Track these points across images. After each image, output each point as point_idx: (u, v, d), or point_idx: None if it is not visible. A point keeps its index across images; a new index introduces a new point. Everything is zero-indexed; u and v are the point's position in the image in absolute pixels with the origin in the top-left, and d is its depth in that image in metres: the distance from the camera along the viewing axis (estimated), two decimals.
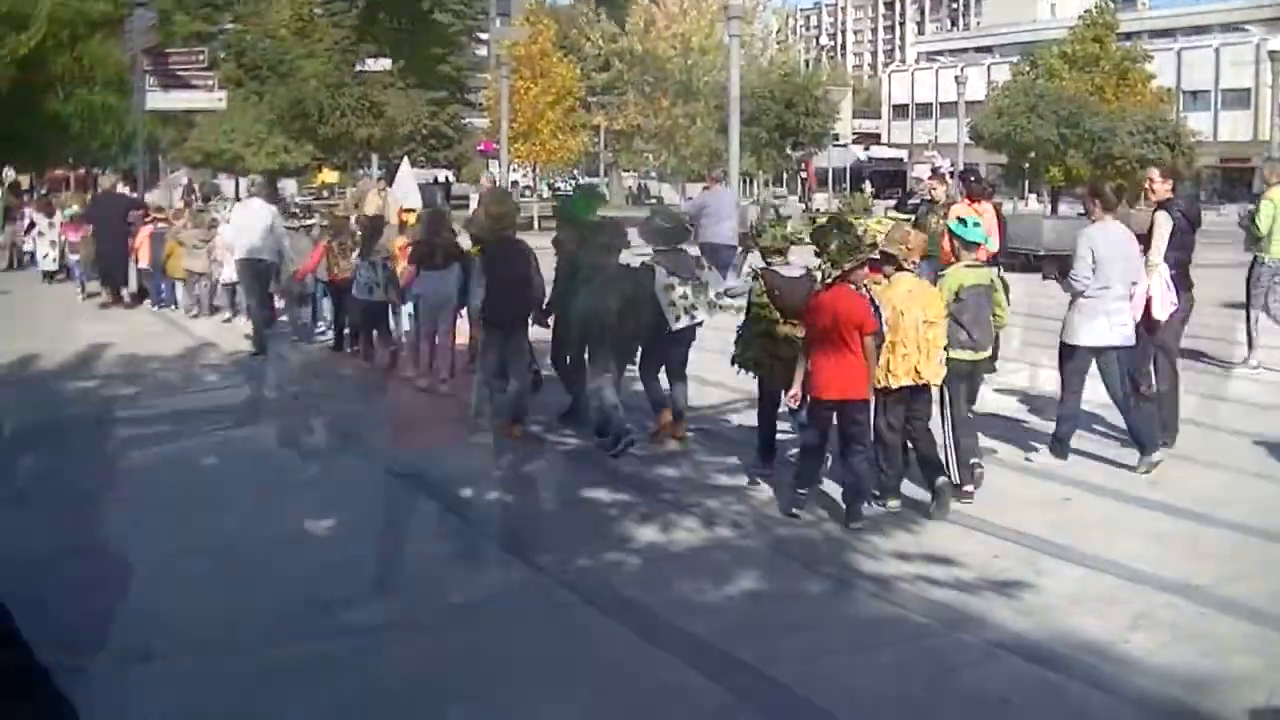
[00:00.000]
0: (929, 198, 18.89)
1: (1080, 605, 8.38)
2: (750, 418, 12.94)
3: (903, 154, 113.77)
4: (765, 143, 60.12)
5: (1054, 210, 58.69)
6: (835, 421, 10.42)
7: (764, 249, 12.08)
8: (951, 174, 19.70)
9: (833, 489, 10.82)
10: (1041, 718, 6.83)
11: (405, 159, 38.45)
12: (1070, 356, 12.24)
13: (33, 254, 33.05)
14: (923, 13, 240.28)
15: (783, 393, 11.22)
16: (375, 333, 18.44)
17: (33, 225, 32.75)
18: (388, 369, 17.71)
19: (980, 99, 72.63)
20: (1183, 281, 13.05)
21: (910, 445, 11.01)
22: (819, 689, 6.98)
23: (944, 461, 10.88)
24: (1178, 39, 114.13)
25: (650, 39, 71.38)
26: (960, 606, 8.33)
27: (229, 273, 22.69)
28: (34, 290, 29.68)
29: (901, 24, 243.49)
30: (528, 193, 76.36)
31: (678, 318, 12.95)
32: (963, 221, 11.62)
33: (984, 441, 13.03)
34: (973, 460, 11.16)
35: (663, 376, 13.41)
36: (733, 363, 12.16)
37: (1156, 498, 11.05)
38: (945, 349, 10.83)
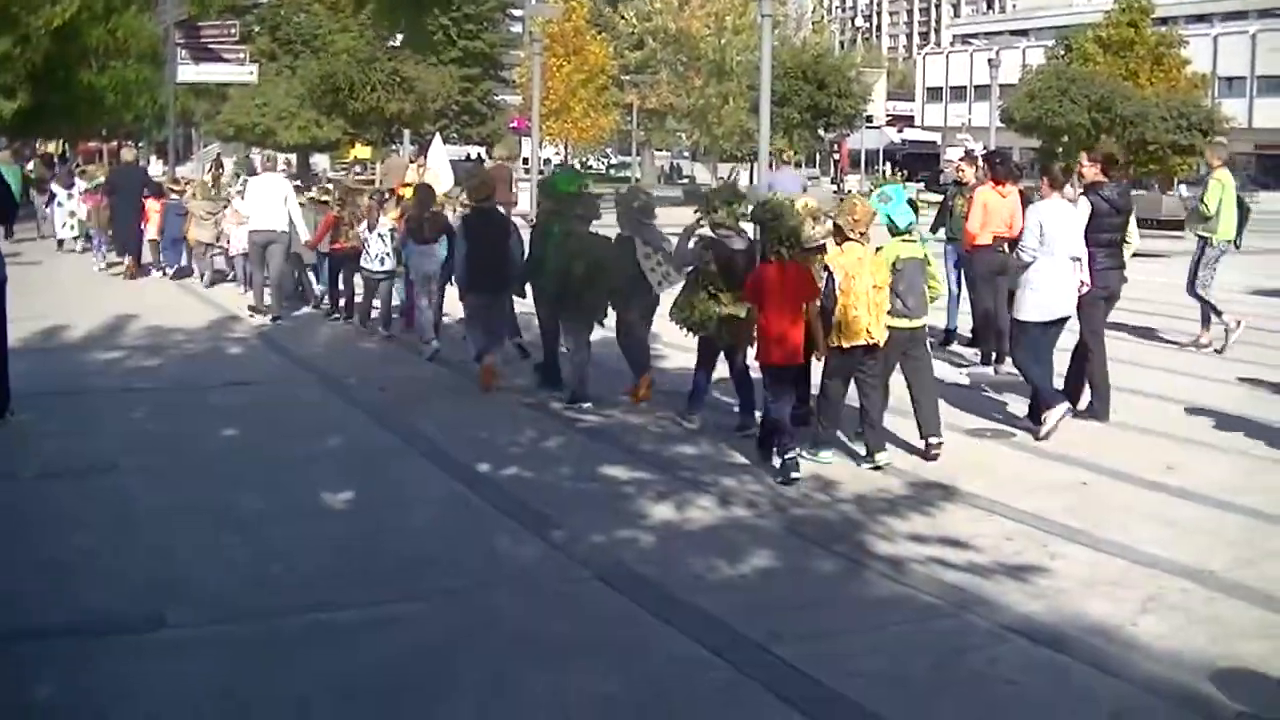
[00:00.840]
0: (957, 179, 19.32)
1: (1091, 588, 8.39)
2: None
3: (936, 137, 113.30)
4: (797, 124, 59.79)
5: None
6: (780, 377, 11.49)
7: (714, 223, 13.02)
8: (982, 157, 19.89)
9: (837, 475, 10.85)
10: (1048, 700, 6.83)
11: (438, 135, 38.43)
12: (1025, 332, 13.19)
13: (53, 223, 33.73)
14: None
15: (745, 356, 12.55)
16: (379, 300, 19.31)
17: (53, 196, 33.36)
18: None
19: (1013, 83, 72.24)
20: (1113, 262, 13.99)
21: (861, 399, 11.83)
22: (826, 668, 7.00)
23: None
24: (1214, 24, 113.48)
25: (684, 18, 71.13)
26: (971, 588, 8.35)
27: (239, 244, 23.16)
28: (58, 260, 29.80)
29: (937, 6, 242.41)
30: (558, 170, 76.40)
31: (659, 282, 14.11)
32: (887, 199, 12.15)
33: (1002, 425, 13.12)
34: (931, 436, 11.95)
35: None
36: (676, 322, 13.18)
37: (1173, 483, 11.07)
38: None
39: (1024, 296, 13.09)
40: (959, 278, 18.04)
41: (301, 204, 21.81)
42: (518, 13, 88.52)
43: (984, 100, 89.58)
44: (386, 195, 20.14)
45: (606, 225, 14.98)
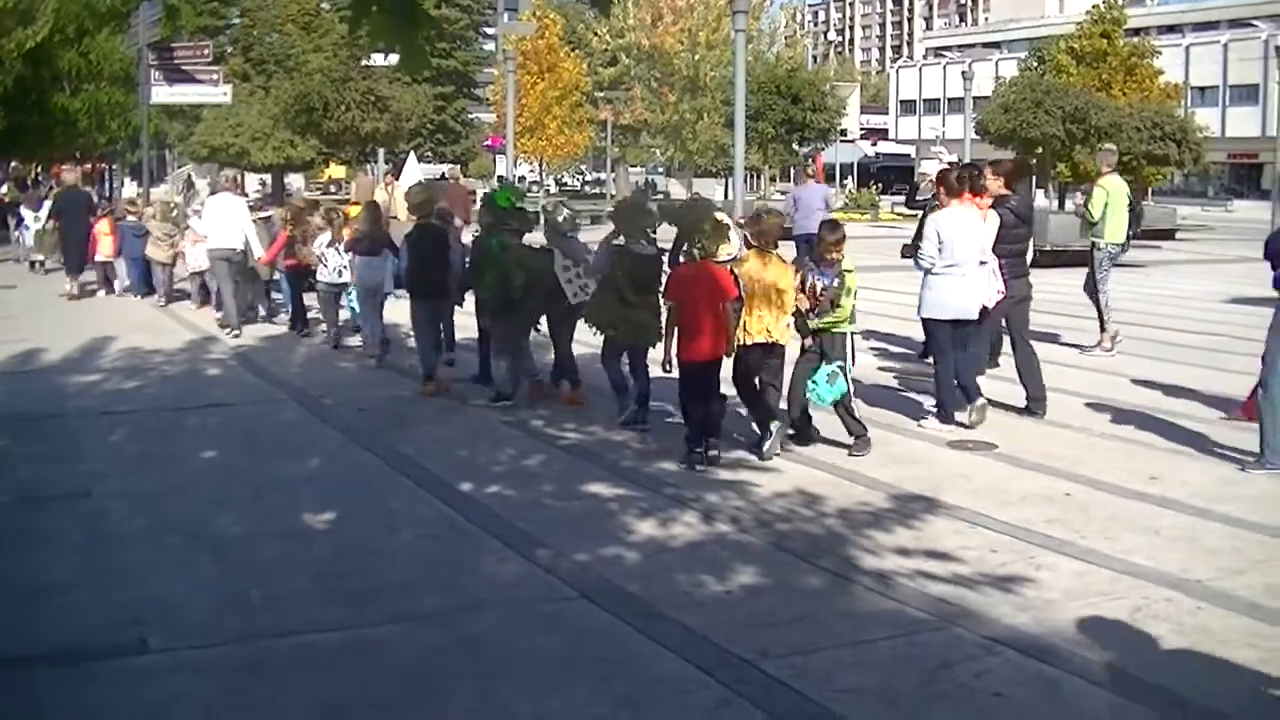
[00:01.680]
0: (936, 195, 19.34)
1: (1078, 599, 8.38)
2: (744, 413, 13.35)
3: (910, 150, 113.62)
4: (772, 138, 60.05)
5: (1061, 206, 58.60)
6: (702, 376, 12.26)
7: (624, 232, 14.02)
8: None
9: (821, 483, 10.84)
10: (1036, 712, 6.81)
11: (412, 154, 38.41)
12: (932, 331, 13.98)
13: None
14: (931, 8, 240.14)
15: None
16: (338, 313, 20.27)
17: (21, 219, 34.17)
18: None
19: (988, 95, 72.48)
20: (1018, 270, 14.77)
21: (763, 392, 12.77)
22: (814, 683, 6.97)
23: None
24: (1186, 34, 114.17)
25: (657, 34, 71.36)
26: (957, 601, 8.33)
27: (197, 261, 23.83)
28: (32, 282, 29.75)
29: (909, 19, 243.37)
30: (534, 188, 76.36)
31: (575, 294, 14.93)
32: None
33: (983, 435, 13.14)
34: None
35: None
36: (589, 323, 14.25)
37: (1156, 492, 11.09)
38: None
39: (923, 296, 13.84)
40: None
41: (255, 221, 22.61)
42: (491, 31, 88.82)
43: (958, 113, 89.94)
44: (338, 214, 20.84)
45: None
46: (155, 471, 12.09)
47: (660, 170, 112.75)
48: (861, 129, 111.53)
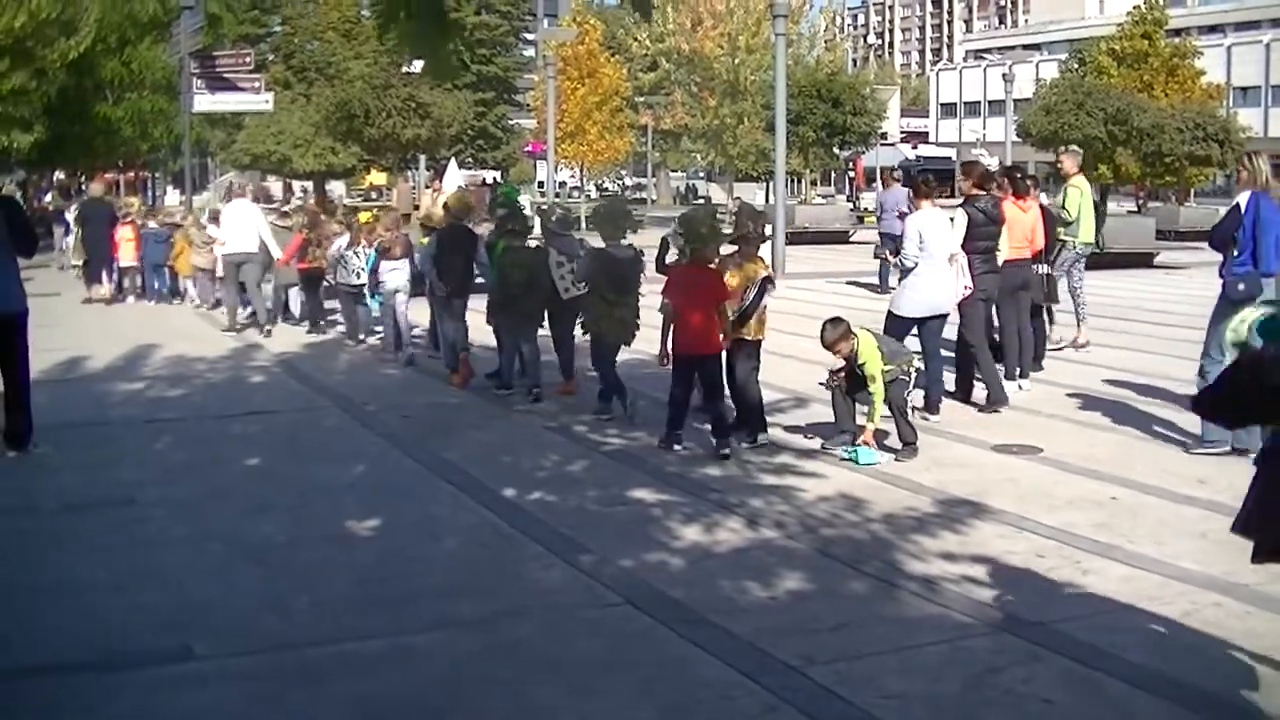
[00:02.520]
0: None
1: (1125, 604, 8.32)
2: (794, 417, 14.01)
3: (951, 153, 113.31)
4: (812, 142, 59.72)
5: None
6: (697, 373, 13.10)
7: (604, 237, 15.04)
8: (1002, 172, 20.36)
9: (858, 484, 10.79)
10: (1085, 717, 6.76)
11: (453, 160, 38.45)
12: (895, 326, 14.46)
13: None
14: (970, 10, 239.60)
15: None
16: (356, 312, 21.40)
17: (69, 228, 34.56)
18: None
19: (1028, 97, 72.23)
20: (988, 267, 15.32)
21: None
22: (859, 689, 6.93)
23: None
24: (1227, 34, 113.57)
25: (697, 38, 71.21)
26: (1004, 606, 8.28)
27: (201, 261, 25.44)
28: (77, 289, 29.83)
29: (949, 22, 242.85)
30: (575, 193, 76.40)
31: (567, 289, 15.80)
32: None
33: (1027, 439, 13.08)
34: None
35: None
36: (583, 323, 15.20)
37: (1203, 495, 11.00)
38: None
39: (903, 294, 14.67)
40: None
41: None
42: (531, 37, 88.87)
43: (998, 115, 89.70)
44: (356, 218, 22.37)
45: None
46: (198, 478, 12.12)
47: (701, 175, 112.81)
48: (902, 132, 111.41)
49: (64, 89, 41.76)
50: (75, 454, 13.14)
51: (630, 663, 7.44)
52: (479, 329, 17.23)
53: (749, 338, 13.48)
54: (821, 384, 13.64)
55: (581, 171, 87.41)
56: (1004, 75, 67.09)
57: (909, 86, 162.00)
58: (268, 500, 11.26)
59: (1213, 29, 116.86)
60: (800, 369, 16.53)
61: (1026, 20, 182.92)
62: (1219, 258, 12.93)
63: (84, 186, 52.85)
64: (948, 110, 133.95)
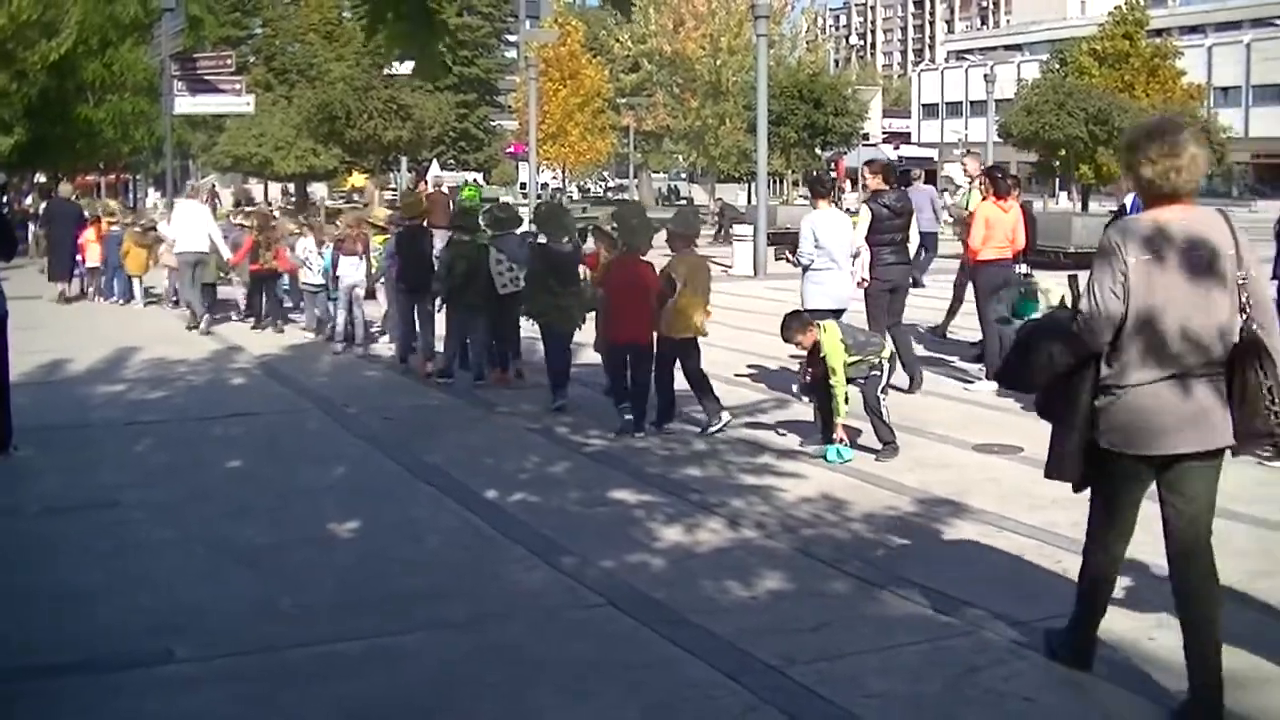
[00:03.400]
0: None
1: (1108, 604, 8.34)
2: (774, 417, 14.34)
3: (933, 153, 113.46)
4: (794, 142, 59.77)
5: (1084, 208, 58.45)
6: (624, 354, 13.99)
7: (545, 232, 15.94)
8: (983, 172, 20.70)
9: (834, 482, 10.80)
10: (1066, 717, 6.79)
11: (435, 162, 38.41)
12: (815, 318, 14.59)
13: None
14: (952, 11, 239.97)
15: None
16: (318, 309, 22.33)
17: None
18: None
19: (1010, 97, 72.39)
20: (897, 258, 16.15)
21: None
22: (840, 689, 6.95)
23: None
24: (1208, 35, 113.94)
25: (679, 40, 71.25)
26: (985, 605, 8.28)
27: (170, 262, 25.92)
28: (56, 292, 29.86)
29: (931, 22, 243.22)
30: (557, 194, 76.39)
31: (504, 285, 16.62)
32: None
33: (1008, 439, 13.09)
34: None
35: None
36: (523, 313, 16.22)
37: None
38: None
39: (809, 290, 15.01)
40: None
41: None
42: (513, 38, 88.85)
43: (980, 115, 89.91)
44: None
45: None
46: (180, 481, 12.11)
47: (683, 176, 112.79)
48: (884, 133, 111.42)
49: (45, 91, 41.74)
50: (57, 456, 13.13)
51: (615, 664, 7.45)
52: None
53: (674, 335, 13.98)
54: (794, 393, 14.10)
55: (564, 173, 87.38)
56: (986, 76, 67.20)
57: (891, 87, 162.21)
58: (250, 503, 11.26)
59: (1193, 29, 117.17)
60: (782, 370, 16.55)
61: (1008, 21, 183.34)
62: None
63: (65, 189, 52.87)
64: (930, 111, 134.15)
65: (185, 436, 14.27)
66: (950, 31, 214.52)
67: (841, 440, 12.40)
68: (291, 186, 67.06)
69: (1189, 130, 6.61)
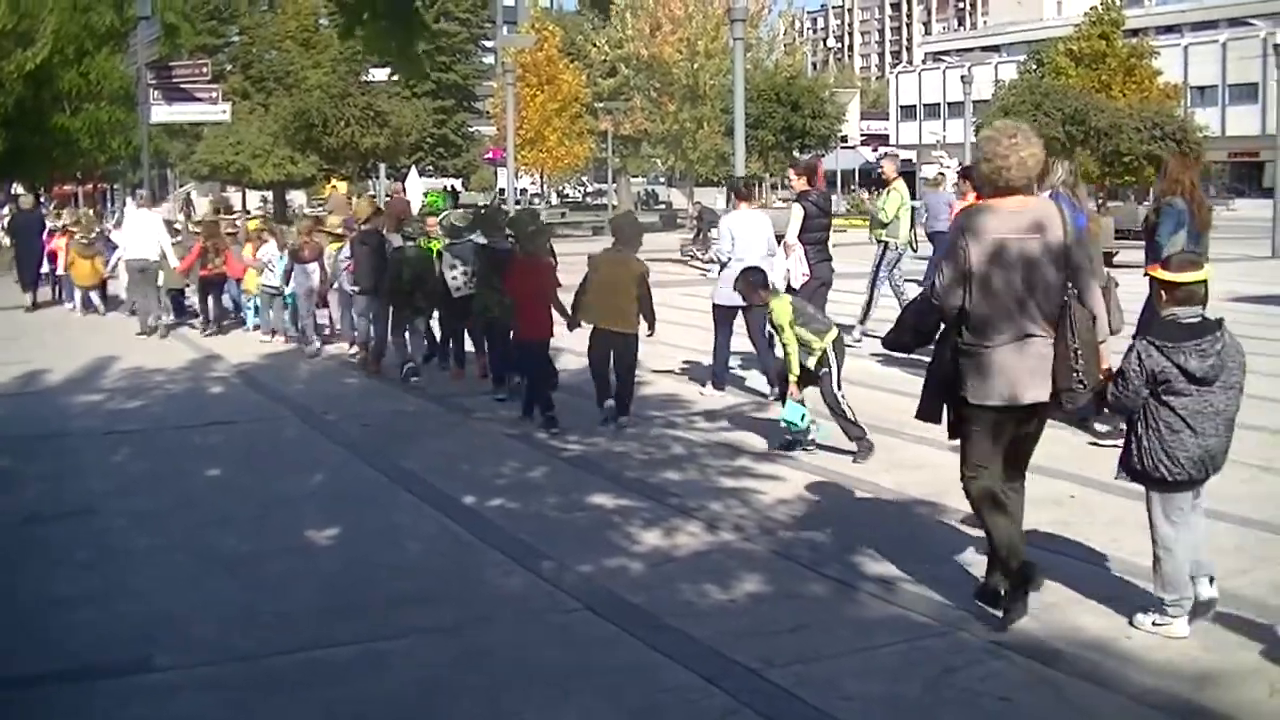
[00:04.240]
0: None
1: (1083, 602, 8.37)
2: (752, 421, 13.95)
3: (911, 155, 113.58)
4: (772, 145, 59.76)
5: None
6: (535, 354, 14.79)
7: (486, 234, 17.09)
8: (959, 172, 20.99)
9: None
10: (1043, 716, 6.81)
11: (414, 168, 38.38)
12: (719, 314, 16.20)
13: None
14: (929, 13, 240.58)
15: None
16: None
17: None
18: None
19: (987, 98, 72.49)
20: (822, 256, 16.76)
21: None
22: (819, 691, 6.97)
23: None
24: (1184, 34, 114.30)
25: (656, 44, 71.12)
26: (962, 605, 8.31)
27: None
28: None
29: (908, 24, 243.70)
30: (536, 199, 76.37)
31: (458, 289, 17.36)
32: None
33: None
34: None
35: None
36: (473, 311, 16.97)
37: None
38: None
39: (719, 286, 16.03)
40: None
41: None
42: (490, 44, 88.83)
43: (958, 117, 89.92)
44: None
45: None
46: (160, 490, 12.11)
47: (662, 180, 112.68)
48: (862, 135, 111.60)
49: (21, 100, 41.59)
50: (37, 466, 13.12)
51: (594, 668, 7.47)
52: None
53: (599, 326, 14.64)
54: (777, 398, 13.86)
55: (542, 178, 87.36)
56: (963, 77, 67.25)
57: (869, 89, 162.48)
58: (230, 511, 11.26)
59: (1170, 29, 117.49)
60: (759, 374, 16.58)
61: (985, 22, 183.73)
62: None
63: (41, 200, 52.73)
64: (907, 112, 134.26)
65: (165, 445, 14.27)
66: (927, 33, 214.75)
67: (794, 396, 12.54)
68: (270, 194, 66.97)
69: (1023, 133, 7.97)
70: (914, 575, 8.97)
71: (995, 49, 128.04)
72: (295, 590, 9.00)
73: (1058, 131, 58.53)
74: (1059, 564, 9.15)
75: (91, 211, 36.05)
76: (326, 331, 22.12)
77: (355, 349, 20.26)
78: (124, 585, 9.22)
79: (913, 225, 22.61)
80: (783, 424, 12.89)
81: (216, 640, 8.02)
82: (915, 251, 22.98)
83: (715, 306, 16.25)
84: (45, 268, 30.18)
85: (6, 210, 42.86)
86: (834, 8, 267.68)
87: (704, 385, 16.62)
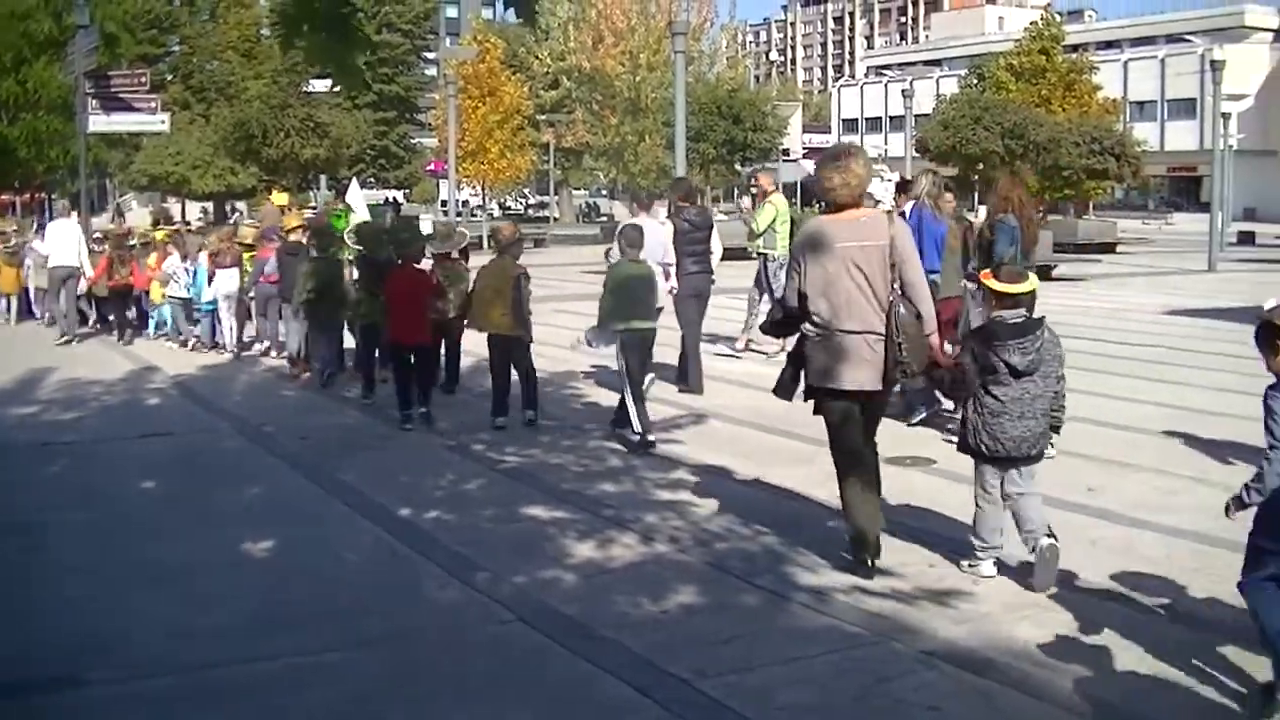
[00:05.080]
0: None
1: (1016, 612, 8.42)
2: (689, 434, 13.86)
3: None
4: (713, 159, 59.98)
5: None
6: (402, 352, 15.54)
7: (367, 246, 17.85)
8: (897, 185, 21.13)
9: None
10: None
11: (355, 180, 38.26)
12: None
13: None
14: (872, 27, 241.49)
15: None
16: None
17: None
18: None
19: (928, 112, 72.86)
20: (700, 268, 17.70)
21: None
22: (752, 702, 6.98)
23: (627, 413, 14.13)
24: (1124, 50, 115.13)
25: (598, 56, 71.16)
26: (895, 616, 8.36)
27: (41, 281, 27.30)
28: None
29: (851, 38, 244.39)
30: (478, 212, 76.22)
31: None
32: None
33: (921, 451, 13.17)
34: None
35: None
36: (352, 318, 18.06)
37: (1094, 504, 11.16)
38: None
39: None
40: None
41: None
42: (432, 55, 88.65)
43: (899, 130, 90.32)
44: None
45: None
46: (96, 503, 12.02)
47: (604, 192, 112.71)
48: (804, 148, 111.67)
49: None
50: None
51: (528, 680, 7.47)
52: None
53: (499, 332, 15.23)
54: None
55: (484, 190, 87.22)
56: (904, 91, 67.64)
57: (811, 103, 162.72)
58: (167, 524, 11.21)
59: (1110, 44, 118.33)
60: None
61: (927, 37, 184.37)
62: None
63: None
64: (850, 126, 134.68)
65: (101, 457, 14.19)
66: (870, 47, 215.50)
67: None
68: (210, 205, 66.72)
69: (850, 156, 9.33)
70: (847, 586, 9.00)
71: (937, 63, 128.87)
72: (230, 603, 8.95)
73: (997, 145, 58.96)
74: (992, 575, 9.22)
75: (22, 219, 35.89)
76: (250, 341, 22.89)
77: (276, 354, 21.40)
78: (55, 599, 9.17)
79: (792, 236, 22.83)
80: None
81: (150, 655, 7.96)
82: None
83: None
84: None
85: None
86: (777, 21, 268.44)
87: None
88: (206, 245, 23.57)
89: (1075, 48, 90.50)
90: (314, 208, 58.04)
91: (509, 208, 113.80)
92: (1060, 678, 7.32)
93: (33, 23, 43.95)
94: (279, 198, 34.67)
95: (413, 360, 15.58)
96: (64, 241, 25.31)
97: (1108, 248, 52.86)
